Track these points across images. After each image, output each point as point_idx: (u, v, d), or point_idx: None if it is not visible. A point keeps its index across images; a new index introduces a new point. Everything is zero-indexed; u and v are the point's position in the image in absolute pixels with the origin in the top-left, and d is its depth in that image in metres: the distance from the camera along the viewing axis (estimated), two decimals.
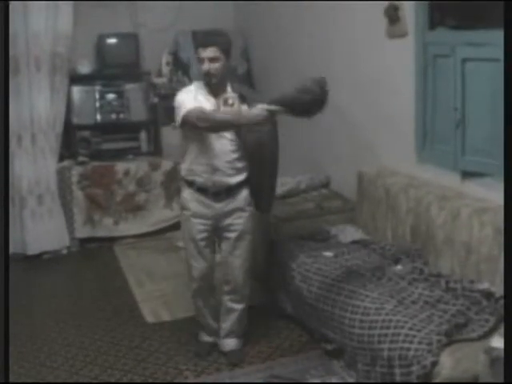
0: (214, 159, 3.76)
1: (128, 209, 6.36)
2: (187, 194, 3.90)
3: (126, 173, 6.31)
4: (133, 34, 6.67)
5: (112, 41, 6.58)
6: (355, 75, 5.18)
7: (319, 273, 4.14)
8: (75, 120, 6.28)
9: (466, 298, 3.63)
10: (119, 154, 6.47)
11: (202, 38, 3.82)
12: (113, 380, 3.89)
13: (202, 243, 3.93)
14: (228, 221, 3.89)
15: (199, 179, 3.81)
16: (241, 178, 3.87)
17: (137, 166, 6.34)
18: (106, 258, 6.03)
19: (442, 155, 4.32)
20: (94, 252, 6.20)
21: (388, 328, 3.41)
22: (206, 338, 4.22)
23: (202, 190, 3.84)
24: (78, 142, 6.30)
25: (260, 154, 3.91)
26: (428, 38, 4.32)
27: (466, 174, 4.14)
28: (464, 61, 4.00)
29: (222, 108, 3.69)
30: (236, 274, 3.99)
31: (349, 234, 4.76)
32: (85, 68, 6.46)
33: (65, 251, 6.16)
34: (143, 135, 6.61)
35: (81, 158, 6.24)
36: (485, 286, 3.64)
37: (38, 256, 6.02)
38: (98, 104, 6.34)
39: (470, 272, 3.81)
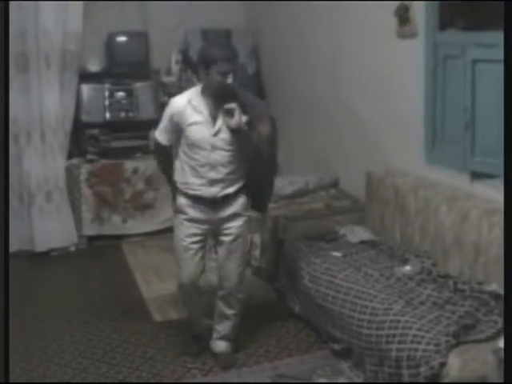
0: (210, 172, 3.72)
1: (136, 207, 6.36)
2: (184, 200, 3.84)
3: (135, 171, 6.31)
4: (142, 33, 6.66)
5: (121, 39, 6.58)
6: (365, 75, 5.18)
7: (328, 273, 4.14)
8: (84, 118, 6.27)
9: (475, 299, 3.63)
10: (128, 152, 6.44)
11: (222, 61, 3.58)
12: (120, 377, 3.89)
13: (195, 246, 3.88)
14: (225, 225, 3.86)
15: (196, 192, 3.77)
16: (238, 185, 3.83)
17: (145, 165, 6.31)
18: (114, 256, 6.03)
19: (451, 156, 4.31)
20: (102, 250, 6.20)
21: (396, 328, 3.41)
22: (197, 341, 4.21)
23: (199, 199, 3.79)
24: (86, 139, 6.28)
25: (258, 158, 3.84)
26: (438, 39, 4.31)
27: (476, 175, 4.13)
28: (474, 62, 3.99)
29: (222, 119, 3.66)
30: (230, 278, 3.94)
31: (357, 234, 4.76)
32: (94, 66, 6.47)
33: (73, 248, 6.16)
34: (152, 134, 6.59)
35: (89, 156, 6.24)
36: (493, 287, 3.64)
37: (46, 253, 6.02)
38: (107, 102, 6.33)
39: (478, 273, 3.81)
